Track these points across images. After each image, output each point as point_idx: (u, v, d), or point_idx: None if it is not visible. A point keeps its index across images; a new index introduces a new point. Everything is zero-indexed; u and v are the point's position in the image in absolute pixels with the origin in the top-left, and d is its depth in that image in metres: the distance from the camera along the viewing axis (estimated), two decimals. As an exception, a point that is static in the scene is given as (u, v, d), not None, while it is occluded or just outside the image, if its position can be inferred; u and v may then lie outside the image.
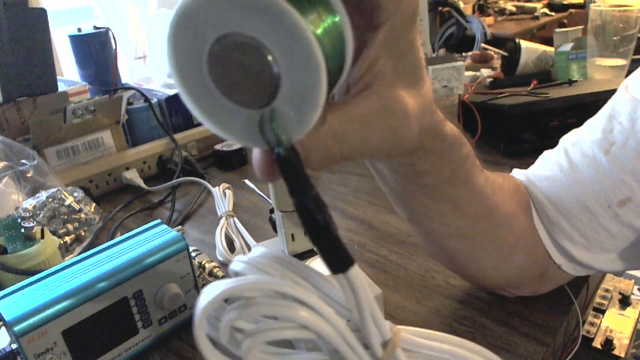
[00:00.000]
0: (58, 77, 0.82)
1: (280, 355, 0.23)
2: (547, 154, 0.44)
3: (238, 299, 0.22)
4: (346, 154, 0.24)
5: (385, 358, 0.24)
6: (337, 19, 0.21)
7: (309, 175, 0.21)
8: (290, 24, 0.18)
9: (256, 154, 0.23)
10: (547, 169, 0.41)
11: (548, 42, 1.09)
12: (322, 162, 0.23)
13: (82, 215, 0.63)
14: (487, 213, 0.37)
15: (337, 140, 0.23)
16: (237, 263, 0.23)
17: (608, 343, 0.66)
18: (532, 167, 0.44)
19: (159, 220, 0.47)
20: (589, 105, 0.70)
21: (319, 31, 0.20)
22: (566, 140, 0.42)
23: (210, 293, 0.21)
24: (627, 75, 0.41)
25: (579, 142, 0.40)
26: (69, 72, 1.36)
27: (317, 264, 0.42)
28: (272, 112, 0.20)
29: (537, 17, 2.26)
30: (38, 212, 0.59)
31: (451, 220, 0.37)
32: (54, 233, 0.58)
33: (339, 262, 0.21)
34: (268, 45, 0.19)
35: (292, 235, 0.45)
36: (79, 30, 0.95)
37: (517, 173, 0.44)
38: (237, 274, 0.23)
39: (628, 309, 0.73)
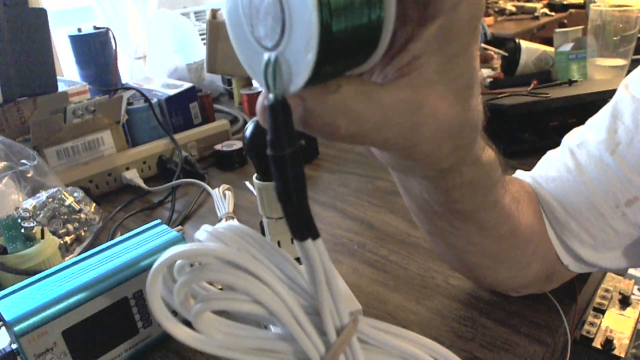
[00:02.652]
0: (58, 77, 0.82)
1: (232, 327, 0.22)
2: (551, 155, 0.43)
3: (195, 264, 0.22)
4: (354, 133, 0.22)
5: (338, 344, 0.22)
6: None
7: (295, 134, 0.21)
8: None
9: (261, 95, 0.23)
10: (553, 170, 0.41)
11: (548, 42, 1.09)
12: (321, 130, 0.22)
13: (82, 215, 0.63)
14: (512, 231, 0.37)
15: (346, 116, 0.22)
16: (202, 232, 0.23)
17: (608, 343, 0.65)
18: (536, 168, 0.44)
19: (159, 221, 0.47)
20: (589, 105, 0.70)
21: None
22: (570, 140, 0.42)
23: (165, 255, 0.21)
24: (626, 76, 0.41)
25: (585, 142, 0.40)
26: (69, 72, 1.36)
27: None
28: (275, 58, 0.20)
29: (537, 17, 2.26)
30: (38, 212, 0.59)
31: (477, 239, 0.37)
32: (54, 233, 0.58)
33: (301, 229, 0.21)
34: None
35: (278, 242, 0.44)
36: (79, 30, 0.95)
37: (522, 174, 0.44)
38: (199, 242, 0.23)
39: (628, 309, 0.73)
